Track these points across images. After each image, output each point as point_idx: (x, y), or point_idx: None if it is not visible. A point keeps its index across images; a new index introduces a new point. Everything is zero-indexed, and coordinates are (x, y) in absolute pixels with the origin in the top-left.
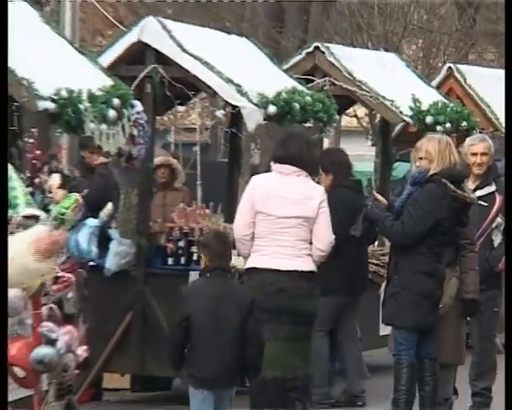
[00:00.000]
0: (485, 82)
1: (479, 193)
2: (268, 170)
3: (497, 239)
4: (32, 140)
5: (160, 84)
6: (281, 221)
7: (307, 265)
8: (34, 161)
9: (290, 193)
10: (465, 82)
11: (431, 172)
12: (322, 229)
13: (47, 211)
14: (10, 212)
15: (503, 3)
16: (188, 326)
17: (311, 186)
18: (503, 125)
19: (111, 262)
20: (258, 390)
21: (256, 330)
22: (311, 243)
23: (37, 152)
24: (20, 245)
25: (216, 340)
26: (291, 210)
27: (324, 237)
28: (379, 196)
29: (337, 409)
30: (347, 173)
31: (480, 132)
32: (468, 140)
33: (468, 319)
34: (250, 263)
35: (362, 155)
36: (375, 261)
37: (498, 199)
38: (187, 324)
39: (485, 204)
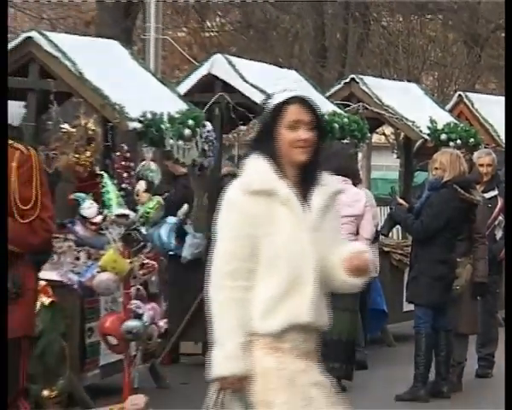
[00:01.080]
0: (488, 106)
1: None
2: None
3: (499, 234)
4: (118, 153)
5: (226, 108)
6: (344, 219)
7: None
8: (119, 171)
9: (342, 197)
10: (472, 106)
11: (444, 180)
12: (368, 223)
13: (135, 211)
14: (105, 211)
15: (503, 43)
16: None
17: (356, 191)
18: (504, 140)
19: (186, 252)
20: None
21: None
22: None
23: (122, 163)
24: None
25: None
26: (344, 211)
27: (369, 229)
28: (401, 201)
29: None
30: None
31: (485, 147)
32: (476, 154)
33: (479, 298)
34: None
35: (389, 166)
36: (400, 251)
37: (500, 201)
38: None
39: (490, 205)
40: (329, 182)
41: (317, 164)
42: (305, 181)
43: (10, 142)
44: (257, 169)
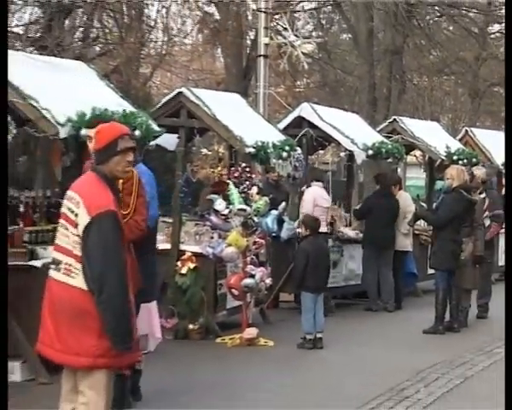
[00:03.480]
0: (485, 137)
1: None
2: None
3: (487, 222)
4: (233, 168)
5: (310, 139)
6: (324, 209)
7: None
8: (235, 180)
9: (325, 195)
10: (475, 137)
11: (453, 186)
12: (329, 211)
13: (250, 207)
14: (231, 207)
15: (497, 95)
16: (306, 262)
17: (325, 193)
18: (496, 160)
19: (284, 234)
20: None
21: (330, 263)
22: None
23: (236, 174)
24: None
25: (318, 267)
26: (327, 204)
27: (329, 215)
28: (422, 204)
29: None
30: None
31: (483, 165)
32: (473, 168)
33: (477, 266)
34: None
35: (418, 177)
36: (425, 234)
37: (487, 201)
38: (305, 261)
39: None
40: None
41: None
42: None
43: None
44: None
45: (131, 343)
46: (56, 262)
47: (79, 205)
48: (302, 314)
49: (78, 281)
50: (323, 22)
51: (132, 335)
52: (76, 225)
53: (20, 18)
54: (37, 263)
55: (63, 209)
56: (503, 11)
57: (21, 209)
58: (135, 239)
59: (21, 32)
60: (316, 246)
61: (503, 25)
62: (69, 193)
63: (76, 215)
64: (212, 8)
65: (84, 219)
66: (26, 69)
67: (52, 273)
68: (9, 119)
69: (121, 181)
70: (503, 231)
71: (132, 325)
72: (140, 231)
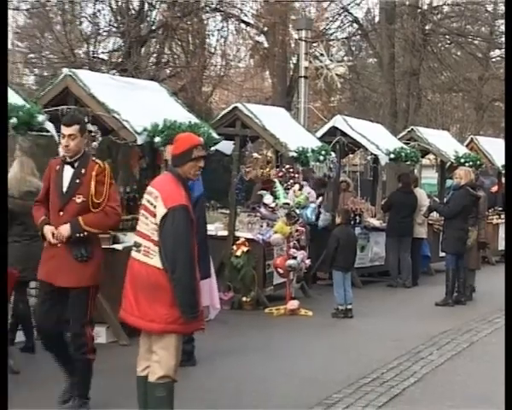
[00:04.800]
0: (488, 144)
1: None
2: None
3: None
4: (277, 169)
5: (342, 145)
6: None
7: None
8: (280, 179)
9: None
10: (478, 144)
11: (461, 184)
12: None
13: (292, 201)
14: (277, 201)
15: (498, 108)
16: (336, 246)
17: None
18: (497, 163)
19: (321, 223)
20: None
21: (356, 247)
22: None
23: (280, 174)
24: None
25: (347, 250)
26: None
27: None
28: (435, 198)
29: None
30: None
31: (485, 167)
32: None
33: (481, 250)
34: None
35: (432, 177)
36: (438, 223)
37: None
38: (336, 244)
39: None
40: None
41: None
42: None
43: (93, 158)
44: None
45: (197, 313)
46: (137, 245)
47: (158, 199)
48: (334, 289)
49: (155, 261)
50: (353, 49)
51: (198, 307)
52: (154, 215)
53: (105, 46)
54: (119, 246)
55: (144, 201)
56: (503, 39)
57: None
58: (112, 225)
59: (106, 58)
60: (345, 233)
61: (503, 50)
62: (149, 188)
63: (154, 207)
64: (261, 38)
65: (160, 211)
66: (109, 88)
67: (134, 254)
68: (96, 128)
69: (94, 173)
70: (502, 221)
71: (198, 298)
72: (116, 215)
